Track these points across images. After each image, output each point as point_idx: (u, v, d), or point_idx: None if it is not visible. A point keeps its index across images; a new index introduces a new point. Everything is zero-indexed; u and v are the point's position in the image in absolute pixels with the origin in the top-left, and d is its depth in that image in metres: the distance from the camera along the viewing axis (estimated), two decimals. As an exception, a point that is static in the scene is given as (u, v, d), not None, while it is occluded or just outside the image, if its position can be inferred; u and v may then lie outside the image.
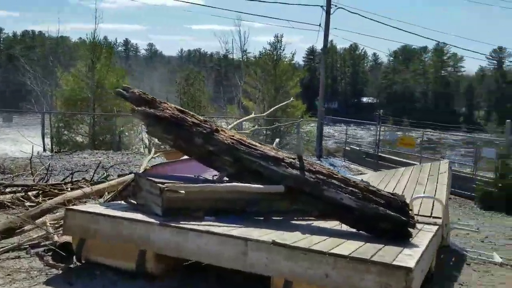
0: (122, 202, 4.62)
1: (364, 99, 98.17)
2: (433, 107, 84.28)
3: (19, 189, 7.21)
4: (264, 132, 22.09)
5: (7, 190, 7.20)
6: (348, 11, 18.34)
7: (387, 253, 3.10)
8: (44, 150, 16.19)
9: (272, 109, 9.10)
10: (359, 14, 18.42)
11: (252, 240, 3.28)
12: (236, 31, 28.12)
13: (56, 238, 4.33)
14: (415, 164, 12.32)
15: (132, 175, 6.14)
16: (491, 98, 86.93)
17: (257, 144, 4.30)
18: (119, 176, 7.80)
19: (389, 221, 3.56)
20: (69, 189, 7.63)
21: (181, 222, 3.68)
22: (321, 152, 17.90)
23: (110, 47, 20.39)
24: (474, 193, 10.40)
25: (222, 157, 4.29)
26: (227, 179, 4.37)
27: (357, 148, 16.75)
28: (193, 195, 3.94)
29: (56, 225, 4.71)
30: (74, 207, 4.19)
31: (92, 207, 4.19)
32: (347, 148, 17.31)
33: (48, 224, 4.64)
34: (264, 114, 9.50)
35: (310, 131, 22.99)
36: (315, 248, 3.12)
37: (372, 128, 26.55)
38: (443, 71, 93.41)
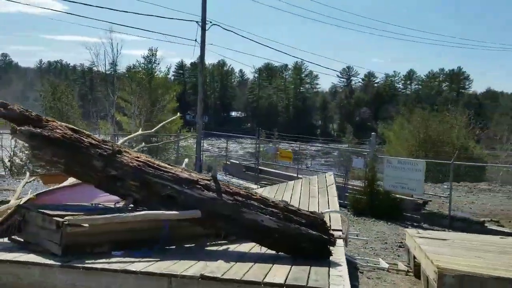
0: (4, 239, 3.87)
1: (233, 113, 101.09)
2: (293, 121, 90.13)
3: None
4: (142, 150, 21.08)
5: None
6: (223, 28, 18.60)
7: (319, 276, 3.06)
8: None
9: (160, 124, 8.64)
10: (233, 32, 18.80)
11: (177, 276, 2.98)
12: (108, 43, 26.53)
13: None
14: (294, 176, 12.92)
15: (6, 205, 5.26)
16: (342, 112, 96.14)
17: (166, 165, 3.98)
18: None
19: (311, 240, 3.56)
20: None
21: (86, 262, 3.19)
22: (201, 167, 17.73)
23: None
24: (347, 201, 11.22)
25: (127, 181, 3.88)
26: (132, 206, 3.95)
27: (237, 162, 16.95)
28: (97, 228, 3.45)
29: None
30: None
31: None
32: (227, 162, 17.42)
33: None
34: (153, 130, 8.96)
35: (187, 146, 22.70)
36: (248, 278, 2.94)
37: (245, 142, 27.22)
38: (301, 87, 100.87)
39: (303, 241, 3.57)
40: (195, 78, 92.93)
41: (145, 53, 22.37)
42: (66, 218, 3.31)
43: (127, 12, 17.55)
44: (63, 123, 4.25)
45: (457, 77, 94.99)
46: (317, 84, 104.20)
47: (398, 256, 7.37)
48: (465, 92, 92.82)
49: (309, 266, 3.29)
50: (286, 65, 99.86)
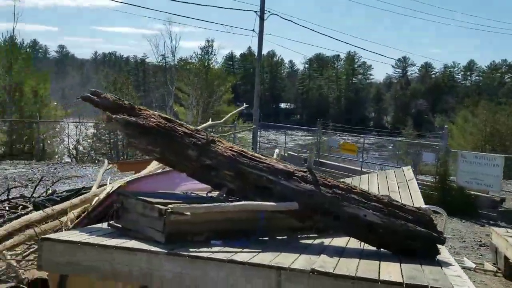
0: (100, 226, 3.95)
1: (282, 105, 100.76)
2: (345, 112, 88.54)
3: None
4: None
5: None
6: (282, 17, 18.44)
7: (437, 276, 2.87)
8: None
9: (228, 115, 8.66)
10: (292, 21, 18.57)
11: (286, 269, 2.89)
12: (166, 34, 26.75)
13: (23, 274, 3.56)
14: (358, 170, 12.59)
15: (91, 192, 5.42)
16: (397, 104, 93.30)
17: (260, 156, 3.90)
18: (68, 192, 6.90)
19: (419, 238, 3.36)
20: (6, 208, 6.65)
21: (190, 250, 3.17)
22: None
23: (29, 49, 18.41)
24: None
25: (221, 171, 3.83)
26: (225, 196, 3.91)
27: (295, 154, 16.79)
28: (198, 217, 3.44)
29: (18, 256, 3.91)
30: (51, 236, 3.46)
31: (72, 234, 3.50)
32: (285, 154, 17.29)
33: (7, 256, 3.83)
34: (222, 120, 8.99)
35: (242, 138, 22.81)
36: (363, 275, 2.80)
37: (294, 134, 26.87)
38: (354, 78, 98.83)
39: (410, 238, 3.37)
40: (244, 69, 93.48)
41: (201, 44, 22.62)
42: (170, 206, 3.30)
43: (186, 2, 17.65)
44: (155, 112, 4.28)
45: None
46: (370, 75, 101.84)
47: (481, 255, 6.98)
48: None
49: (419, 265, 3.10)
50: (338, 55, 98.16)
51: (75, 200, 4.93)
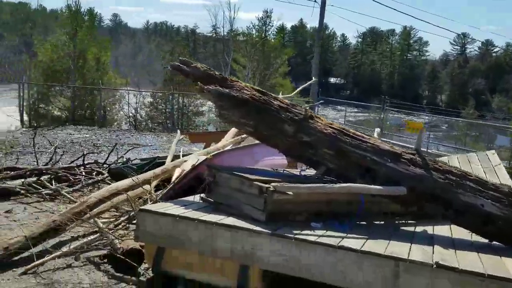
0: (192, 198, 3.86)
1: (332, 80, 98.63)
2: (398, 89, 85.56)
3: (27, 173, 6.29)
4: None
5: (13, 173, 6.26)
6: None
7: None
8: (22, 125, 14.82)
9: (298, 89, 8.38)
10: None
11: (405, 260, 2.66)
12: (225, 4, 26.07)
13: (118, 244, 3.55)
14: (424, 151, 12.01)
15: (171, 163, 5.37)
16: (453, 82, 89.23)
17: (363, 135, 3.64)
18: (142, 160, 6.96)
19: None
20: (83, 173, 6.81)
21: (293, 232, 3.01)
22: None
23: (93, 16, 18.76)
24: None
25: (320, 149, 3.61)
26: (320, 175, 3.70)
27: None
28: (299, 197, 3.25)
29: (110, 225, 3.91)
30: (149, 207, 3.40)
31: (168, 207, 3.42)
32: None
33: (100, 224, 3.84)
34: (292, 93, 8.70)
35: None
36: (494, 273, 2.53)
37: (344, 110, 26.13)
38: (409, 54, 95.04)
39: (535, 233, 3.05)
40: (294, 42, 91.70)
41: (259, 15, 22.14)
42: (272, 184, 3.13)
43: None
44: (247, 84, 4.09)
45: None
46: (426, 51, 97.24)
47: None
48: None
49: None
50: (393, 30, 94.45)
51: (157, 170, 4.90)
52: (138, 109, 19.39)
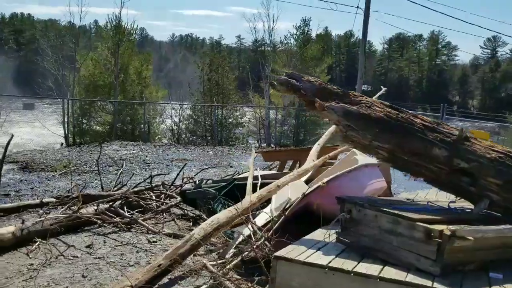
0: (321, 236, 3.26)
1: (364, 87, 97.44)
2: (427, 95, 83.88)
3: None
4: (288, 121, 20.72)
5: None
6: None
7: None
8: (67, 141, 14.62)
9: (378, 94, 7.63)
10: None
11: None
12: (264, 14, 25.61)
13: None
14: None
15: (264, 189, 4.78)
16: (484, 87, 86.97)
17: (536, 160, 3.00)
18: (215, 182, 6.41)
19: None
20: (153, 197, 6.32)
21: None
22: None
23: (133, 30, 18.67)
24: None
25: (482, 178, 2.99)
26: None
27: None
28: (476, 242, 2.62)
29: (221, 269, 3.36)
30: (286, 254, 2.81)
31: (306, 252, 2.84)
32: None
33: (211, 268, 3.29)
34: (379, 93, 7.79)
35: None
36: None
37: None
38: (437, 60, 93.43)
39: None
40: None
41: (297, 24, 21.67)
42: (451, 228, 2.51)
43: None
44: (375, 99, 3.51)
45: None
46: (455, 55, 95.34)
47: None
48: None
49: None
50: (421, 35, 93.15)
51: (253, 198, 4.33)
52: (180, 122, 19.06)
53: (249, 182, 5.55)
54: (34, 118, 17.33)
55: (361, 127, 3.24)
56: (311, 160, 5.48)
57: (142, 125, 16.62)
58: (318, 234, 3.30)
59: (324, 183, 3.82)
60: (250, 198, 4.27)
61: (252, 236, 3.76)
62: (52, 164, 10.09)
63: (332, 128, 6.84)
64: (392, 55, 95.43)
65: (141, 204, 6.02)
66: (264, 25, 19.66)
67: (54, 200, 6.01)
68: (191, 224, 5.73)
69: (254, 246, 3.33)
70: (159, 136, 17.88)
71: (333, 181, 4.03)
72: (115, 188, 6.64)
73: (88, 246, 4.62)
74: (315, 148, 5.89)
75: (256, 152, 6.78)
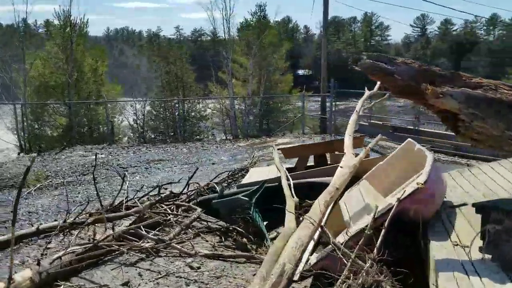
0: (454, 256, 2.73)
1: (300, 71, 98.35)
2: (364, 75, 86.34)
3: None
4: (254, 111, 20.17)
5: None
6: None
7: None
8: (22, 150, 13.10)
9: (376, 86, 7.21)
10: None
11: None
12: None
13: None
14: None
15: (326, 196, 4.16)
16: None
17: None
18: (240, 187, 5.70)
19: None
20: (168, 210, 5.54)
21: None
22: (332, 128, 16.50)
23: (84, 24, 16.93)
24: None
25: None
26: None
27: (379, 122, 15.45)
28: None
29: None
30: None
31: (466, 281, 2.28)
32: (362, 123, 15.95)
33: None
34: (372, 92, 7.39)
35: (299, 107, 21.44)
36: None
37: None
38: (372, 40, 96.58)
39: None
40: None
41: (252, 10, 20.96)
42: None
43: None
44: (493, 81, 3.00)
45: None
46: (388, 35, 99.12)
47: None
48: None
49: None
50: (355, 18, 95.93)
51: (322, 207, 3.70)
52: (143, 120, 17.81)
53: (285, 184, 4.94)
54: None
55: (490, 115, 2.73)
56: (350, 154, 4.93)
57: (101, 126, 15.31)
58: (450, 252, 2.76)
59: (421, 184, 3.27)
60: (318, 206, 3.64)
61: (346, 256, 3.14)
62: (18, 178, 8.84)
63: (355, 116, 6.36)
64: (330, 38, 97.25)
65: (157, 220, 5.22)
66: (222, 12, 18.85)
67: (54, 224, 5.06)
68: (221, 238, 5.03)
69: (366, 271, 2.72)
70: (120, 136, 16.62)
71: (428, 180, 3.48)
72: (116, 203, 5.75)
73: (125, 284, 3.82)
74: (349, 139, 5.34)
75: (278, 150, 6.10)
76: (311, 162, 6.93)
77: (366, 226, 3.13)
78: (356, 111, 6.21)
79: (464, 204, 3.79)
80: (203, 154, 12.56)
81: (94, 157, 12.02)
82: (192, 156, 12.37)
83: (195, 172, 6.67)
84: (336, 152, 6.14)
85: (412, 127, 13.51)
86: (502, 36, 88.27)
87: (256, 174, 6.50)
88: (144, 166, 10.75)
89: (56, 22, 15.92)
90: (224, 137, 18.84)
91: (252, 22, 21.32)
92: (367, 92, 6.96)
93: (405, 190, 3.29)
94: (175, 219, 5.25)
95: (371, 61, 3.10)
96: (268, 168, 6.88)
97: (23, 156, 11.63)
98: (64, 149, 12.63)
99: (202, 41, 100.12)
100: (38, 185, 7.81)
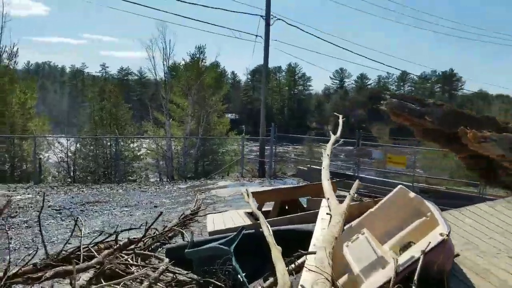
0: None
1: (228, 115, 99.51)
2: (289, 122, 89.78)
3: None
4: (191, 152, 19.67)
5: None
6: (288, 23, 17.64)
7: None
8: None
9: (339, 126, 7.29)
10: (298, 28, 17.73)
11: None
12: (160, 38, 22.88)
13: None
14: (410, 186, 11.71)
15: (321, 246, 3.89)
16: (338, 113, 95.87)
17: None
18: (212, 234, 5.20)
19: None
20: (129, 260, 4.93)
21: None
22: (273, 173, 16.49)
23: (13, 55, 15.48)
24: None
25: None
26: None
27: (318, 168, 15.61)
28: None
29: None
30: None
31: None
32: (301, 167, 16.09)
33: None
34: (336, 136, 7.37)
35: (236, 150, 21.38)
36: None
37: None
38: (295, 89, 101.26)
39: None
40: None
41: (191, 51, 20.87)
42: None
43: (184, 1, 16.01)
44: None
45: (450, 78, 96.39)
46: (310, 86, 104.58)
47: None
48: (457, 93, 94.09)
49: None
50: (280, 67, 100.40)
51: (322, 253, 3.40)
52: (74, 158, 16.49)
53: (266, 231, 4.61)
54: None
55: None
56: (335, 200, 4.73)
57: (25, 164, 13.90)
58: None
59: (446, 235, 3.11)
60: (327, 257, 3.34)
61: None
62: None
63: (327, 161, 6.23)
64: (257, 85, 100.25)
65: (116, 273, 4.57)
66: (162, 52, 18.48)
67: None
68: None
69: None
70: (45, 174, 15.19)
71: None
72: (65, 252, 4.99)
73: None
74: (329, 185, 5.16)
75: (248, 194, 5.74)
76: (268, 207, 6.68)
77: (388, 281, 2.90)
78: (328, 155, 6.12)
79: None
80: (142, 196, 11.81)
81: (19, 197, 10.79)
82: (130, 198, 11.57)
83: (158, 217, 6.07)
84: (314, 198, 5.96)
85: (352, 173, 13.81)
86: (411, 91, 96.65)
87: (219, 220, 6.08)
88: (79, 208, 9.79)
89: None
90: (159, 178, 18.02)
91: (192, 63, 21.15)
92: (333, 136, 6.94)
93: (430, 242, 3.11)
94: (138, 271, 4.63)
95: (399, 101, 2.97)
96: (230, 214, 6.50)
97: None
98: (-17, 188, 11.18)
99: (128, 79, 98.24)
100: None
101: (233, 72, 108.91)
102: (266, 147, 17.55)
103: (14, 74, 15.28)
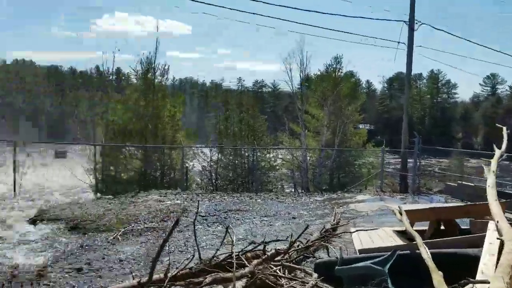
0: None
1: (361, 126, 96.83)
2: (432, 132, 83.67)
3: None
4: (327, 163, 19.27)
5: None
6: (434, 27, 16.31)
7: None
8: (97, 191, 13.05)
9: (504, 141, 6.28)
10: (444, 31, 16.25)
11: None
12: (298, 51, 23.28)
13: None
14: None
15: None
16: (488, 123, 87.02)
17: None
18: (359, 256, 4.84)
19: None
20: (278, 272, 4.76)
21: None
22: (417, 187, 15.22)
23: (166, 73, 17.23)
24: None
25: None
26: None
27: (472, 185, 14.01)
28: None
29: None
30: None
31: None
32: (450, 183, 14.57)
33: None
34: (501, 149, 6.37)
35: (372, 162, 20.34)
36: None
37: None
38: (438, 97, 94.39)
39: None
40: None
41: (327, 62, 20.65)
42: None
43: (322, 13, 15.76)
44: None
45: None
46: (455, 93, 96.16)
47: None
48: None
49: None
50: (420, 74, 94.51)
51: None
52: (216, 167, 17.49)
53: (424, 253, 4.03)
54: (62, 166, 15.78)
55: None
56: (507, 224, 3.96)
57: (173, 171, 15.10)
58: None
59: None
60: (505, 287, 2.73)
61: None
62: (100, 221, 8.52)
63: (493, 178, 5.38)
64: (395, 94, 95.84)
65: (266, 284, 4.43)
66: (299, 64, 18.64)
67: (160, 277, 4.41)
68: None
69: None
70: (190, 182, 16.32)
71: None
72: (217, 259, 5.02)
73: None
74: (497, 206, 4.37)
75: (404, 211, 5.18)
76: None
77: None
78: (493, 171, 5.26)
79: None
80: (280, 207, 11.82)
81: (169, 202, 11.64)
82: (268, 207, 11.66)
83: (304, 230, 5.87)
84: (477, 220, 5.16)
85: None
86: None
87: (366, 238, 5.63)
88: (223, 215, 10.16)
89: (139, 67, 16.35)
90: (293, 189, 18.04)
91: (327, 73, 20.92)
92: (497, 151, 5.99)
93: None
94: (288, 284, 4.44)
95: None
96: (377, 232, 5.99)
97: (100, 197, 11.46)
98: (139, 193, 12.38)
99: (262, 92, 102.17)
100: (122, 230, 7.39)
101: (367, 81, 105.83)
102: (408, 160, 16.39)
103: (165, 90, 16.81)
